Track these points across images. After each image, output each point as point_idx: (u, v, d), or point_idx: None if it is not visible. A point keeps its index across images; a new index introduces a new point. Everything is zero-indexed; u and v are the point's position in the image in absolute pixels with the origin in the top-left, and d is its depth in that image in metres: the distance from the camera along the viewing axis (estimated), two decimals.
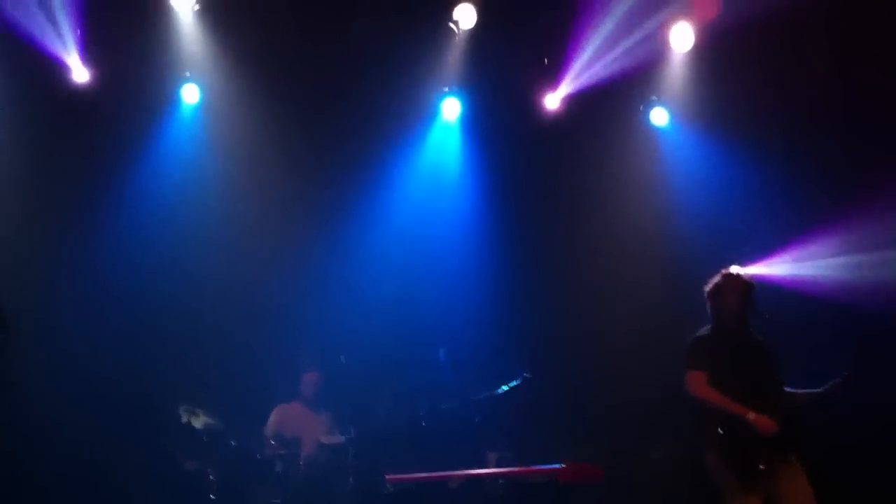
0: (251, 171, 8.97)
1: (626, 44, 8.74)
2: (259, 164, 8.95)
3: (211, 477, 7.83)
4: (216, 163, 8.96)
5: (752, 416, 5.79)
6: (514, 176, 9.22)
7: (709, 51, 8.70)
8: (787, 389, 6.06)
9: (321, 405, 8.45)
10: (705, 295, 6.25)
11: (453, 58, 8.91)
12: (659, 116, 9.12)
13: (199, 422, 7.94)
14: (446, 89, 9.06)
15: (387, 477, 6.81)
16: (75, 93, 8.65)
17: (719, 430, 5.87)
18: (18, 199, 8.32)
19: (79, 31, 8.59)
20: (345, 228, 8.97)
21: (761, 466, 5.76)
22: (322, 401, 8.45)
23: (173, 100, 8.90)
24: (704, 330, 6.21)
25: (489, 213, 9.17)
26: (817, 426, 6.38)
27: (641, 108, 9.12)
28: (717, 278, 6.29)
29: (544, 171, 9.18)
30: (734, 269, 6.47)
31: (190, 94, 8.90)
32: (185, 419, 7.90)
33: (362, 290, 8.82)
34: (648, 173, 9.11)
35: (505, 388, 7.14)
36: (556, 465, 6.34)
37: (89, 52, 8.65)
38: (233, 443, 7.96)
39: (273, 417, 8.40)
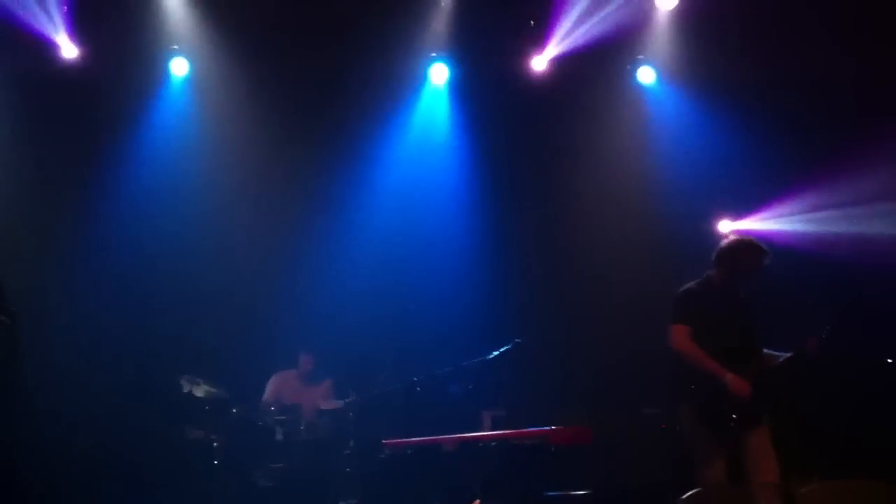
0: (242, 143, 9.03)
1: (612, 3, 8.73)
2: (249, 135, 9.01)
3: (215, 444, 8.06)
4: (207, 136, 9.03)
5: (729, 377, 5.75)
6: (503, 138, 9.25)
7: (694, 8, 8.69)
8: (766, 351, 6.05)
9: (320, 375, 8.62)
10: (718, 253, 6.10)
11: (440, 23, 8.92)
12: (646, 75, 9.13)
13: (201, 391, 8.16)
14: (434, 55, 9.08)
15: (384, 442, 6.93)
16: (65, 70, 8.69)
17: (692, 385, 5.87)
18: (10, 179, 8.39)
19: (65, 7, 8.62)
20: (337, 198, 9.06)
21: (731, 424, 5.78)
22: (319, 372, 8.62)
23: (163, 73, 8.95)
24: (693, 284, 6.12)
25: (480, 176, 9.24)
26: (796, 389, 6.47)
27: (628, 67, 9.14)
28: (736, 240, 6.22)
29: (533, 132, 9.20)
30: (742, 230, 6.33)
31: (179, 68, 8.96)
32: (186, 389, 8.11)
33: (357, 257, 8.92)
34: (636, 131, 9.15)
35: (496, 353, 7.24)
36: (547, 428, 6.40)
37: (77, 28, 8.67)
38: (234, 411, 8.17)
39: (271, 386, 8.57)
